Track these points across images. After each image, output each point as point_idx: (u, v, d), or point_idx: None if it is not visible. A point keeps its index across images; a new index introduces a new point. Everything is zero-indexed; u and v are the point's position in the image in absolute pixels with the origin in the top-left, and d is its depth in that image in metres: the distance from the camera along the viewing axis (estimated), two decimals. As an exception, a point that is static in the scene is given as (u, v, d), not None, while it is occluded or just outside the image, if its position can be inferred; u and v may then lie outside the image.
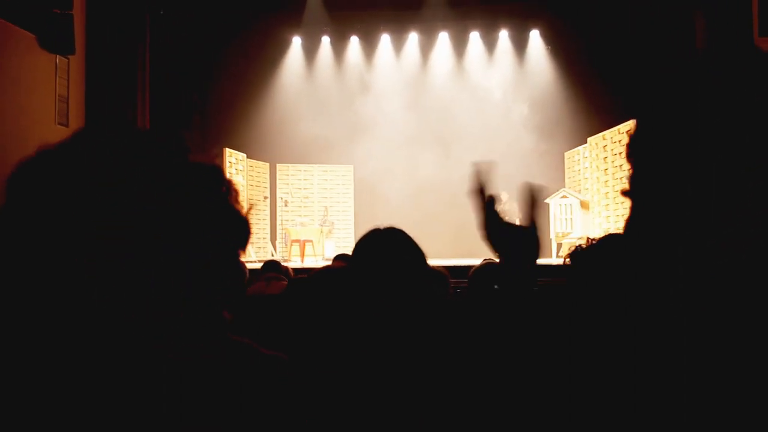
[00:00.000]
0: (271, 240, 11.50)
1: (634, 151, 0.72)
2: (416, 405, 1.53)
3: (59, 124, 7.21)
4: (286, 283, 3.82)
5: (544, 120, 11.61)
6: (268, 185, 11.70)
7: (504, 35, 12.14)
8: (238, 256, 0.77)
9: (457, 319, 2.29)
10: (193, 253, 0.69)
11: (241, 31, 11.26)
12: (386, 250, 1.64)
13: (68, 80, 7.42)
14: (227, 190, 0.77)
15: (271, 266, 4.82)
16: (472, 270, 2.81)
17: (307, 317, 1.67)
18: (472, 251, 9.65)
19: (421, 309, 1.70)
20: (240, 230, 0.77)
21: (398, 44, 12.28)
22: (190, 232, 0.69)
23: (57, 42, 6.95)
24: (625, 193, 0.72)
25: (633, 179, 0.72)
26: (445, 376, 1.61)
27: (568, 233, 10.13)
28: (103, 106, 7.95)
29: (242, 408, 0.74)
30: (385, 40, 12.23)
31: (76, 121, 7.61)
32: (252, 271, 5.22)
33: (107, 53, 8.05)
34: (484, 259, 4.48)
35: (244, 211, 0.78)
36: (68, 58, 7.34)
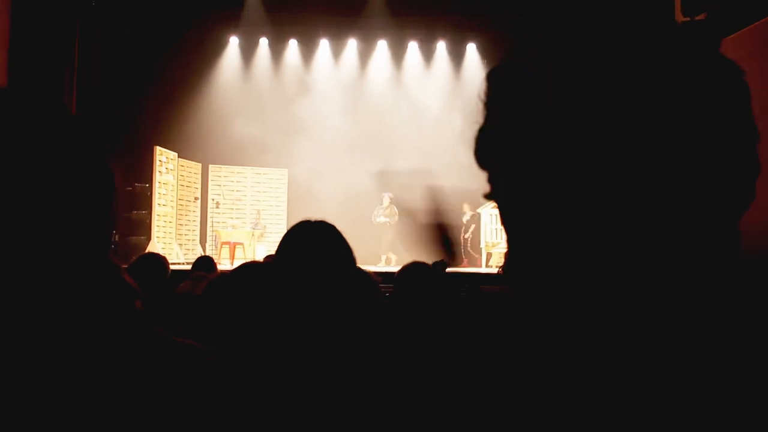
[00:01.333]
0: (200, 242, 11.26)
1: (485, 148, 0.63)
2: (338, 405, 1.52)
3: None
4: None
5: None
6: (199, 186, 11.46)
7: (441, 46, 12.35)
8: (107, 208, 0.73)
9: (385, 320, 2.29)
10: (58, 206, 0.67)
11: (177, 29, 11.00)
12: (315, 244, 1.63)
13: (-11, 68, 7.07)
14: (93, 140, 0.73)
15: (202, 264, 4.65)
16: (399, 270, 2.84)
17: (227, 313, 1.64)
18: (404, 259, 9.72)
19: (347, 307, 1.70)
20: (104, 181, 0.73)
21: (337, 50, 12.30)
22: (53, 185, 0.66)
23: (-22, 27, 6.61)
24: (488, 196, 0.64)
25: (491, 179, 0.64)
26: (370, 375, 1.61)
27: (498, 243, 10.35)
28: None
29: (156, 395, 0.72)
30: (324, 44, 12.22)
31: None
32: (181, 272, 5.09)
33: (33, 45, 7.71)
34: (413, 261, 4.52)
35: (107, 162, 0.74)
36: (-10, 46, 7.00)
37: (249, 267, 1.61)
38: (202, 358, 0.82)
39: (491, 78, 0.63)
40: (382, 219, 10.98)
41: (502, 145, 0.60)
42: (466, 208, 11.10)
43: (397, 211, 11.00)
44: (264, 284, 1.56)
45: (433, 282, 2.76)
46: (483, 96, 0.63)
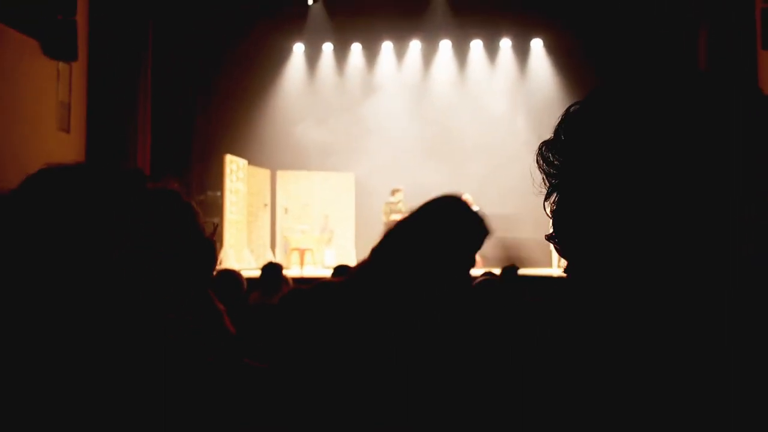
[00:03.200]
0: (270, 248, 11.48)
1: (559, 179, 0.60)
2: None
3: (60, 130, 7.20)
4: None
5: (546, 131, 11.59)
6: (268, 192, 11.68)
7: (506, 43, 12.16)
8: (207, 276, 0.77)
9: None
10: (159, 280, 0.68)
11: (243, 38, 11.27)
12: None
13: (70, 86, 7.41)
14: (186, 213, 0.76)
15: (270, 270, 4.66)
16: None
17: (302, 331, 1.64)
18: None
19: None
20: (204, 252, 0.76)
21: (400, 52, 12.30)
22: (153, 259, 0.69)
23: (60, 48, 6.94)
24: (550, 238, 0.61)
25: (556, 220, 0.60)
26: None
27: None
28: (105, 113, 7.94)
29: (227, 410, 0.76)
30: (387, 47, 12.25)
31: (77, 127, 7.60)
32: (253, 279, 5.18)
33: (109, 59, 8.04)
34: (484, 273, 4.45)
35: (207, 233, 0.77)
36: (70, 64, 7.33)
37: (327, 287, 1.60)
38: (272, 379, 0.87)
39: (555, 143, 0.60)
40: (396, 216, 9.96)
41: (586, 216, 0.57)
42: (467, 197, 10.25)
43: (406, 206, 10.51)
44: (345, 308, 1.55)
45: (506, 291, 2.70)
46: (545, 164, 0.59)
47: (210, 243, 0.77)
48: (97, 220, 0.67)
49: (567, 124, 0.60)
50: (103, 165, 0.74)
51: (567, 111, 0.60)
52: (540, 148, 0.61)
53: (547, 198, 0.61)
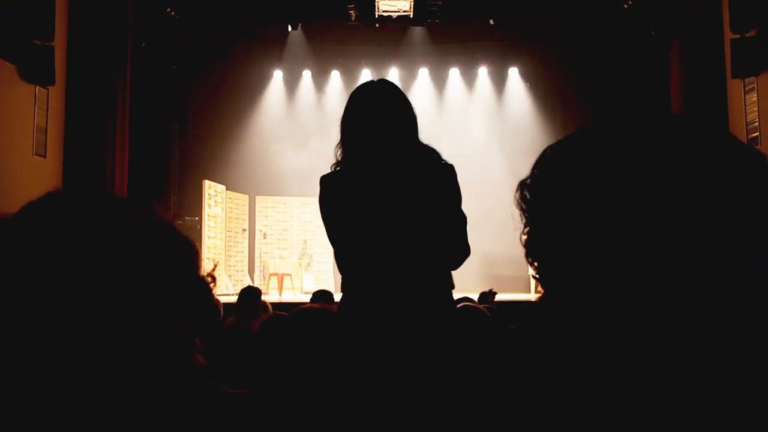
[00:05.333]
0: (249, 273, 11.40)
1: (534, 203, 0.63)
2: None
3: (36, 155, 7.13)
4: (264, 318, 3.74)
5: (524, 158, 11.73)
6: (247, 217, 11.63)
7: (483, 72, 12.35)
8: (202, 315, 0.76)
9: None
10: (150, 316, 0.68)
11: (222, 63, 11.32)
12: None
13: (47, 111, 7.35)
14: (186, 251, 0.76)
15: (247, 295, 4.61)
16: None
17: (282, 356, 1.64)
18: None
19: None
20: (198, 294, 0.75)
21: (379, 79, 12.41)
22: (145, 297, 0.68)
23: (37, 73, 6.90)
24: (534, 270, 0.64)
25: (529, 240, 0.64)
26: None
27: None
28: (82, 138, 7.88)
29: None
30: (366, 74, 12.36)
31: (54, 152, 7.52)
32: (229, 305, 5.13)
33: (87, 84, 8.00)
34: (461, 298, 4.47)
35: (204, 272, 0.77)
36: (47, 89, 7.28)
37: (306, 314, 1.61)
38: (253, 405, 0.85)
39: (532, 181, 0.63)
40: None
41: (556, 245, 0.60)
42: None
43: None
44: (321, 333, 1.56)
45: (486, 317, 2.71)
46: (523, 201, 0.63)
47: (206, 285, 0.77)
48: (110, 249, 0.67)
49: (541, 164, 0.63)
50: (109, 194, 0.74)
51: (543, 153, 0.63)
52: (518, 186, 0.65)
53: (523, 231, 0.64)
